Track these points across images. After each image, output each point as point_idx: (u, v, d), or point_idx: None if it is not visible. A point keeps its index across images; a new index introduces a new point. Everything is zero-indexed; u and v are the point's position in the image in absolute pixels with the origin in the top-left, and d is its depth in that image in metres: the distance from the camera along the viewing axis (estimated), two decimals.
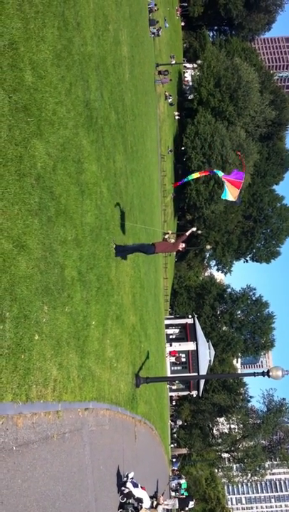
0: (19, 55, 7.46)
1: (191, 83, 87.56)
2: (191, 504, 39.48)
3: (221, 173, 17.05)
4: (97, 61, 14.02)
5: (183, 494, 46.82)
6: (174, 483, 47.92)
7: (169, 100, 62.08)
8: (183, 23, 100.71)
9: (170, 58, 62.47)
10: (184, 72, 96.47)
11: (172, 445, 69.97)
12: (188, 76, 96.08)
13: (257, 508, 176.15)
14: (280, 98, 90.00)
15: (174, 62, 62.81)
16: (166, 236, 15.96)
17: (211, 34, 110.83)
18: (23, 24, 7.76)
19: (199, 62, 78.00)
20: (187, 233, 15.54)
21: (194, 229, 17.01)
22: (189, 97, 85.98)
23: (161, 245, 15.30)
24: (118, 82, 18.65)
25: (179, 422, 76.65)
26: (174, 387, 62.21)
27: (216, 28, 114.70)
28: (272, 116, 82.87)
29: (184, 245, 14.94)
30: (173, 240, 16.19)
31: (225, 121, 72.34)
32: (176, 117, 73.19)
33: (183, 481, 50.93)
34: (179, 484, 48.74)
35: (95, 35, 14.02)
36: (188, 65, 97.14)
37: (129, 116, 21.61)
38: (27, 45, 7.88)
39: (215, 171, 17.64)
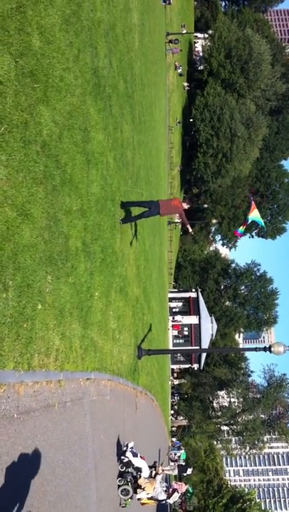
0: (27, 19, 7.28)
1: (201, 54, 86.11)
2: (189, 471, 42.10)
3: (242, 230, 17.88)
4: (107, 28, 13.74)
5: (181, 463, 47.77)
6: (173, 454, 48.77)
7: (179, 70, 61.21)
8: None
9: (181, 27, 61.37)
10: (195, 43, 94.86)
11: (172, 417, 70.86)
12: (198, 46, 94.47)
13: (254, 480, 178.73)
14: None
15: (184, 31, 61.71)
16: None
17: (223, 4, 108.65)
18: None
19: (210, 32, 76.56)
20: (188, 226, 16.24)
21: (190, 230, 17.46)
22: (199, 68, 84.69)
23: (166, 203, 15.19)
24: (127, 50, 18.32)
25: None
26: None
27: None
28: (282, 90, 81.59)
29: (186, 206, 15.20)
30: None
31: (235, 93, 71.31)
32: (186, 88, 72.30)
33: (182, 452, 51.77)
34: (178, 456, 49.56)
35: (105, 1, 13.71)
36: (199, 35, 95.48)
37: (137, 85, 21.29)
38: (35, 8, 7.69)
39: (239, 230, 18.33)
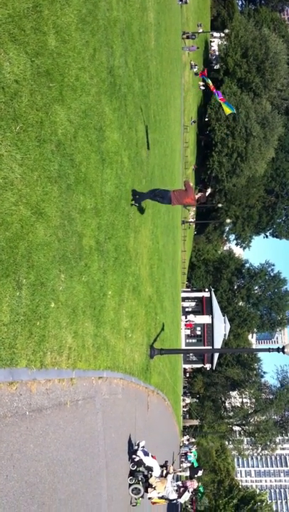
0: (43, 19, 7.31)
1: (217, 53, 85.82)
2: (200, 473, 43.37)
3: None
4: (123, 27, 13.74)
5: (193, 463, 48.09)
6: (183, 451, 49.32)
7: (195, 70, 61.03)
8: None
9: (197, 27, 61.20)
10: (211, 42, 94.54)
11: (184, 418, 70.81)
12: (214, 45, 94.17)
13: (266, 481, 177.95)
14: None
15: (201, 30, 61.54)
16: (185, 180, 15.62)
17: (240, 3, 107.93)
18: None
19: (227, 31, 76.28)
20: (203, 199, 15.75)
21: (206, 193, 17.07)
22: (215, 67, 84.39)
23: (177, 192, 15.02)
24: (143, 49, 18.31)
25: (187, 400, 77.51)
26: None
27: None
28: None
29: (200, 195, 15.01)
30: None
31: (251, 92, 71.01)
32: (201, 87, 72.02)
33: (193, 450, 52.15)
34: (188, 452, 49.95)
35: (121, 0, 13.71)
36: (215, 34, 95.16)
37: (153, 84, 21.28)
38: (51, 8, 7.71)
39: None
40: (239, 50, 71.33)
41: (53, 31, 7.70)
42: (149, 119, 19.72)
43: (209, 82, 19.25)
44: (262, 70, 70.78)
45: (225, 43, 75.86)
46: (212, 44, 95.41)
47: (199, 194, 18.54)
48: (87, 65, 9.63)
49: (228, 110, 17.77)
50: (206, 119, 71.04)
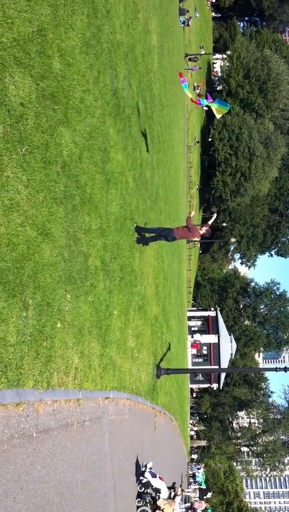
0: (48, 42, 7.43)
1: (220, 74, 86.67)
2: (209, 494, 43.49)
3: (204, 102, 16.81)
4: (126, 50, 13.93)
5: (201, 484, 47.73)
6: (191, 472, 49.02)
7: (197, 91, 61.58)
8: (213, 13, 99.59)
9: (200, 48, 61.95)
10: (213, 63, 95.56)
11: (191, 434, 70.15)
12: (217, 67, 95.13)
13: (275, 503, 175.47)
14: None
15: (203, 52, 62.27)
16: (192, 215, 15.34)
17: (242, 25, 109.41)
18: (52, 11, 7.72)
19: (229, 53, 77.14)
20: (210, 222, 15.41)
21: (215, 215, 17.01)
22: (218, 88, 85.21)
23: (181, 230, 14.63)
24: (146, 71, 18.53)
25: (194, 427, 77.08)
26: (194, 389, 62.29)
27: (246, 18, 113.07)
28: None
29: (204, 231, 14.71)
30: (194, 213, 15.79)
31: (253, 113, 71.52)
32: (204, 108, 72.72)
33: (201, 471, 51.78)
34: (196, 472, 49.65)
35: (125, 24, 13.92)
36: (217, 56, 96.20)
37: (156, 106, 21.49)
38: (56, 31, 7.84)
39: (201, 101, 17.30)
40: (241, 71, 72.04)
41: (57, 54, 7.83)
42: (153, 140, 19.88)
43: (188, 94, 18.27)
44: (264, 90, 71.39)
45: (227, 64, 76.64)
46: (214, 66, 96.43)
47: (204, 229, 18.43)
48: (91, 88, 9.76)
49: (221, 110, 16.16)
50: (210, 140, 71.48)
